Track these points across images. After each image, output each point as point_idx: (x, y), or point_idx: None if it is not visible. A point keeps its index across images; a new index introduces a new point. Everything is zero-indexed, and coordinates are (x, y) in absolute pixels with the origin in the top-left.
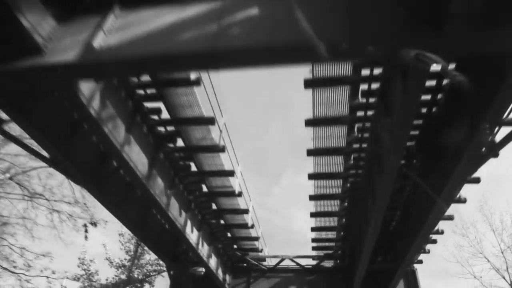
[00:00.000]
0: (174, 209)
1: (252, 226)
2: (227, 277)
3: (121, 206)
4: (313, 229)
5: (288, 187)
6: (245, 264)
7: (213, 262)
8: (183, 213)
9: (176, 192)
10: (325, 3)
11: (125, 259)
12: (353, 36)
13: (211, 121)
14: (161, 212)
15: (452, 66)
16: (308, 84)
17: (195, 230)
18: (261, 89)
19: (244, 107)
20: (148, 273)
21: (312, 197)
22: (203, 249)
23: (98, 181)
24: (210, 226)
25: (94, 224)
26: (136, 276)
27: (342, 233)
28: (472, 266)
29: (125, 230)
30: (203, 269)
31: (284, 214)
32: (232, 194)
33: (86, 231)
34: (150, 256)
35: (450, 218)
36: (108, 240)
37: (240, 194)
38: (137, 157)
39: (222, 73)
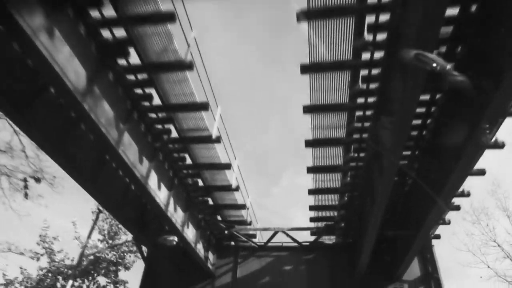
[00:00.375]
0: (131, 152)
1: (237, 188)
2: (211, 256)
3: (62, 146)
4: (310, 192)
5: (287, 188)
6: (232, 243)
7: (190, 233)
8: (146, 161)
9: (133, 129)
10: None
11: (98, 240)
12: None
13: (171, 17)
14: (111, 152)
15: (451, 66)
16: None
17: (163, 188)
18: (260, 89)
19: (243, 107)
20: (123, 255)
21: (308, 144)
22: (177, 215)
23: (22, 103)
24: (186, 188)
25: (37, 179)
26: (110, 257)
27: (346, 197)
28: (485, 255)
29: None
30: (175, 238)
31: (284, 214)
32: (209, 139)
33: (26, 187)
34: (127, 237)
35: (482, 172)
36: (79, 217)
37: (218, 140)
38: (66, 61)
39: None
